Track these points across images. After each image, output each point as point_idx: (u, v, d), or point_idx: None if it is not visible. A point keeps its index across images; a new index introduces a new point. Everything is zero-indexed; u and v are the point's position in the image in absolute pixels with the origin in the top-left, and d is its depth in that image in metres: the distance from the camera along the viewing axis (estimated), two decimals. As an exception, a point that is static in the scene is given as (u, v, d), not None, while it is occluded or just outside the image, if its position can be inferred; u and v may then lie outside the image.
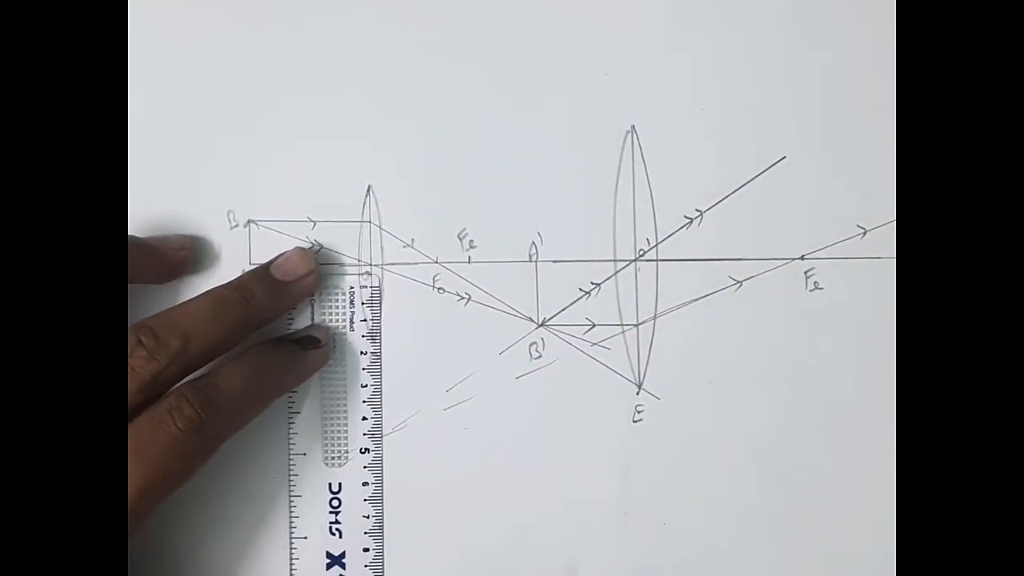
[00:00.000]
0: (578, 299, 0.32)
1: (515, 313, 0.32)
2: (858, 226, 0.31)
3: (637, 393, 0.32)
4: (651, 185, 0.32)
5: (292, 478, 0.32)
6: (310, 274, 0.31)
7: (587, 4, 0.32)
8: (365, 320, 0.32)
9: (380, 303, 0.32)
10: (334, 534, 0.32)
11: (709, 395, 0.32)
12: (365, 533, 0.32)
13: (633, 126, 0.32)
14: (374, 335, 0.32)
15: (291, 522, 0.32)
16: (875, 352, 0.31)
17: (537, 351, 0.32)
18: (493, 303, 0.32)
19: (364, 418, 0.32)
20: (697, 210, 0.32)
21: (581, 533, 0.32)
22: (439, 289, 0.32)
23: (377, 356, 0.32)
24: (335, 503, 0.32)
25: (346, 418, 0.32)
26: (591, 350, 0.32)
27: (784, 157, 0.32)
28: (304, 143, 0.32)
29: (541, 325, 0.32)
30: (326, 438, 0.32)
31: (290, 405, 0.32)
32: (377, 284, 0.32)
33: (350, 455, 0.32)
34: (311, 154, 0.32)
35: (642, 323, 0.32)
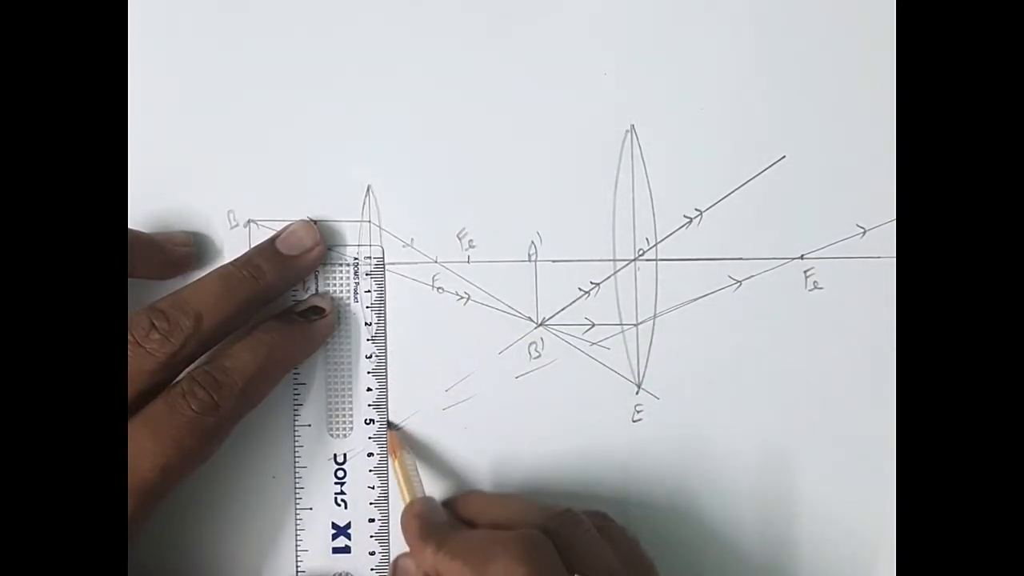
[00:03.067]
0: (577, 299, 0.32)
1: (514, 313, 0.32)
2: (857, 226, 0.31)
3: (636, 393, 0.32)
4: (650, 185, 0.32)
5: (297, 450, 0.32)
6: (316, 246, 0.31)
7: (587, 4, 0.32)
8: (369, 291, 0.32)
9: (384, 274, 0.32)
10: (339, 505, 0.32)
11: (708, 395, 0.32)
12: (371, 504, 0.32)
13: (632, 126, 0.32)
14: (378, 306, 0.32)
15: (296, 493, 0.32)
16: (875, 352, 0.31)
17: (536, 351, 0.32)
18: (493, 303, 0.32)
19: (368, 389, 0.32)
20: (696, 210, 0.32)
21: (581, 533, 0.32)
22: (439, 289, 0.32)
23: (381, 327, 0.32)
24: (340, 474, 0.32)
25: (351, 389, 0.32)
26: (590, 350, 0.32)
27: (784, 157, 0.32)
28: (304, 143, 0.32)
29: (540, 325, 0.32)
30: (330, 409, 0.32)
31: (295, 377, 0.32)
32: (380, 255, 0.32)
33: (355, 426, 0.32)
34: (311, 154, 0.32)
35: (641, 323, 0.32)
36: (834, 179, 0.31)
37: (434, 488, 0.32)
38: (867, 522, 0.31)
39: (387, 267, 0.32)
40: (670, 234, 0.32)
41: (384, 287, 0.32)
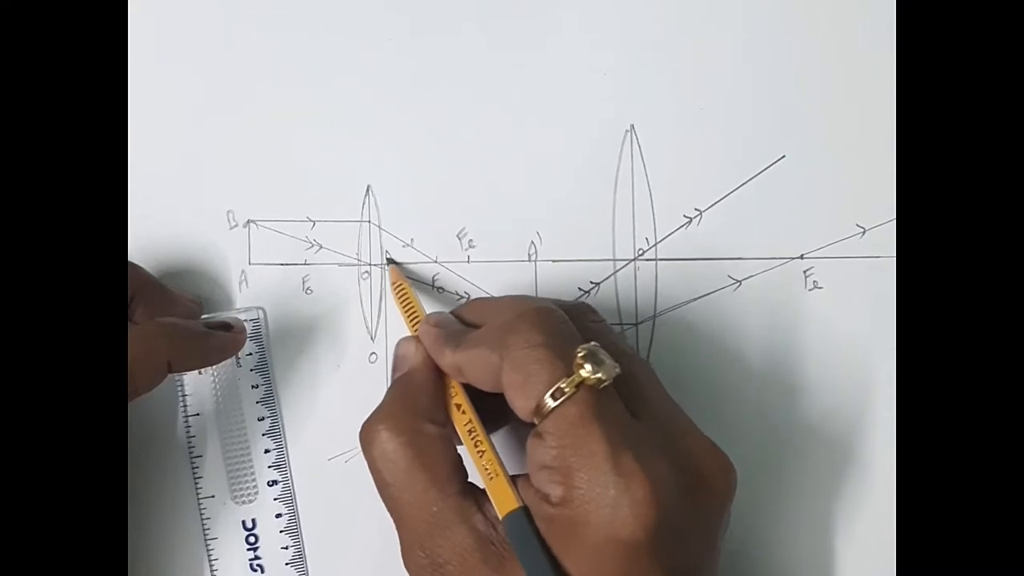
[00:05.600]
0: (578, 298, 0.32)
1: (514, 313, 0.32)
2: (857, 225, 0.31)
3: (636, 393, 0.32)
4: (650, 184, 0.32)
5: (205, 522, 0.32)
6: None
7: (587, 4, 0.32)
8: (251, 354, 0.32)
9: (267, 334, 0.32)
10: (256, 570, 0.32)
11: (708, 394, 0.32)
12: (287, 564, 0.32)
13: (632, 126, 0.32)
14: (263, 367, 0.32)
15: (211, 565, 0.32)
16: (875, 352, 0.31)
17: (536, 351, 0.32)
18: (492, 303, 0.32)
19: (267, 450, 0.32)
20: (696, 209, 0.32)
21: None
22: (438, 289, 0.32)
23: (269, 388, 0.32)
24: (252, 539, 0.32)
25: (249, 453, 0.32)
26: (590, 350, 0.32)
27: (783, 156, 0.32)
28: (304, 143, 0.32)
29: (540, 325, 0.32)
30: (232, 477, 0.32)
31: (191, 449, 0.32)
32: (258, 317, 0.32)
33: (259, 489, 0.32)
34: (311, 154, 0.32)
35: (641, 322, 0.32)
36: (834, 179, 0.31)
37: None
38: (867, 523, 0.31)
39: (387, 267, 0.32)
40: (670, 234, 0.32)
41: (267, 350, 0.32)
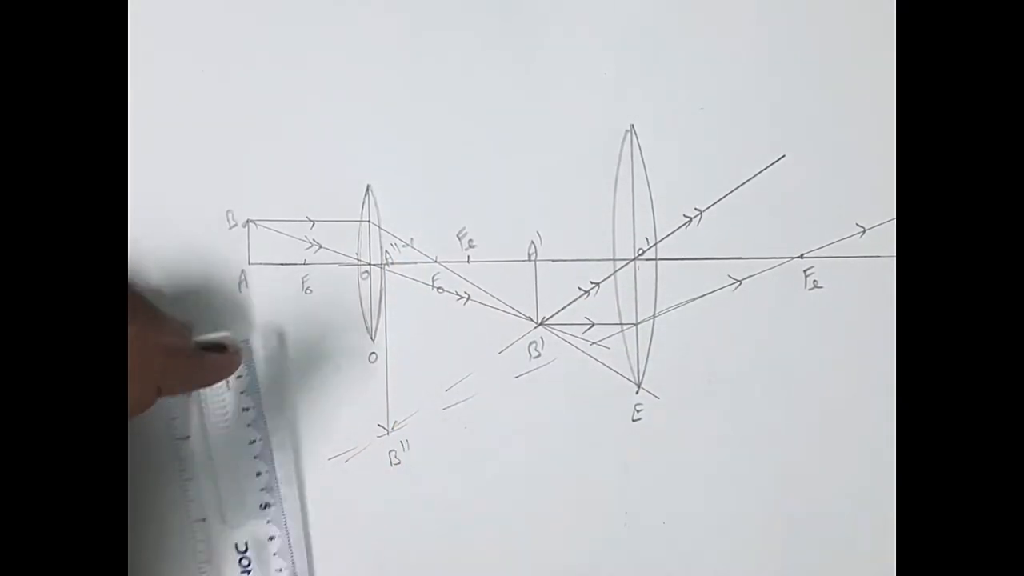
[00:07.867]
0: (577, 298, 0.32)
1: (514, 312, 0.32)
2: (857, 225, 0.31)
3: (636, 392, 0.32)
4: (650, 184, 0.32)
5: (197, 545, 0.32)
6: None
7: (587, 4, 0.32)
8: (241, 377, 0.32)
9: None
10: None
11: (708, 394, 0.32)
12: None
13: (632, 125, 0.32)
14: (253, 391, 0.32)
15: None
16: (875, 351, 0.31)
17: (536, 350, 0.32)
18: (492, 302, 0.32)
19: (259, 473, 0.32)
20: (696, 209, 0.32)
21: (580, 532, 0.32)
22: (438, 288, 0.32)
23: (260, 411, 0.32)
24: (245, 562, 0.32)
25: (240, 476, 0.32)
26: (590, 349, 0.32)
27: (783, 156, 0.32)
28: (304, 143, 0.32)
29: (540, 324, 0.32)
30: (223, 500, 0.32)
31: (182, 472, 0.32)
32: (246, 338, 0.32)
33: (251, 512, 0.32)
34: (311, 154, 0.32)
35: (641, 322, 0.32)
36: (834, 178, 0.31)
37: (434, 488, 0.32)
38: (867, 521, 0.31)
39: (387, 267, 0.32)
40: (670, 233, 0.32)
41: (255, 373, 0.32)
